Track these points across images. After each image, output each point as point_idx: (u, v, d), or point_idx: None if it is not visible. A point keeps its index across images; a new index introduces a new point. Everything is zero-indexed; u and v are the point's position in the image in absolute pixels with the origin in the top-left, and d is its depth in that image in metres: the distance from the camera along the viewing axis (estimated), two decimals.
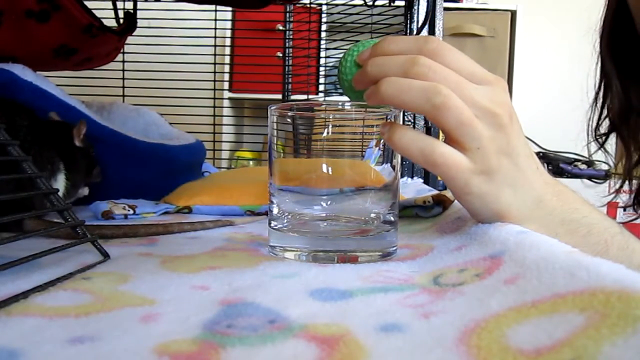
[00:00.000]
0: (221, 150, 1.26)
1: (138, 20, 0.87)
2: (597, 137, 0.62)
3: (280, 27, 1.54)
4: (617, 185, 0.63)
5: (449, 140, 0.32)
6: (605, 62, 0.58)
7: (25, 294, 0.25)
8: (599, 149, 0.63)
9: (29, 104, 0.59)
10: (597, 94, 0.60)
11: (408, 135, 0.31)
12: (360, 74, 0.33)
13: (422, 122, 0.99)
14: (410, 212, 0.52)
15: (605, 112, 0.60)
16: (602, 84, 0.59)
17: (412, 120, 0.99)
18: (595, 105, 0.61)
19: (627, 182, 0.61)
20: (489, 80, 0.32)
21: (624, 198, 0.67)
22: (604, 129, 0.61)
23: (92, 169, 0.60)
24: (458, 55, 0.31)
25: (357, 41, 0.37)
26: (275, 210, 0.37)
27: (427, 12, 0.96)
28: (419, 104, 0.30)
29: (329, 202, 0.37)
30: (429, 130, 0.99)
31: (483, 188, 0.32)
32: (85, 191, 0.60)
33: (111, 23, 0.84)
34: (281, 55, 1.42)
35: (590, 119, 0.62)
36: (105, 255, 0.34)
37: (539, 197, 0.34)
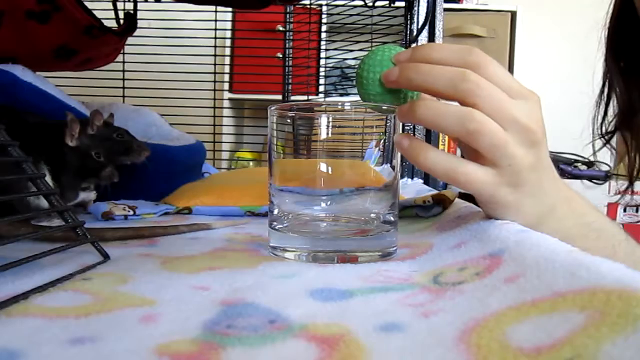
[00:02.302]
0: (221, 150, 1.26)
1: (138, 21, 0.88)
2: (602, 135, 0.62)
3: (281, 28, 1.54)
4: (621, 187, 0.63)
5: (476, 157, 0.33)
6: (609, 60, 0.58)
7: (25, 295, 0.25)
8: (604, 146, 0.63)
9: (29, 105, 0.58)
10: (601, 91, 0.60)
11: (432, 156, 0.32)
12: (399, 75, 0.33)
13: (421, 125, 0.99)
14: (410, 212, 0.52)
15: (610, 109, 0.60)
16: (607, 81, 0.59)
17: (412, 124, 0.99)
18: (600, 102, 0.60)
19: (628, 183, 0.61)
20: (525, 94, 0.33)
21: (623, 199, 0.67)
22: (609, 126, 0.61)
23: (99, 170, 0.58)
24: (498, 69, 0.32)
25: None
26: (275, 211, 0.37)
27: (427, 13, 0.97)
28: (453, 129, 0.31)
29: (329, 203, 0.37)
30: (428, 133, 0.99)
31: (508, 198, 0.33)
32: (91, 195, 0.59)
33: (111, 24, 0.84)
34: (281, 55, 1.42)
35: (595, 117, 0.62)
36: (105, 256, 0.34)
37: (553, 204, 0.35)
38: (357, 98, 0.47)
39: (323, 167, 0.36)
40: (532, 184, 0.33)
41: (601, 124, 0.61)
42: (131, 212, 0.56)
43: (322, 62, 1.63)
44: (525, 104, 0.32)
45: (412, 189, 0.82)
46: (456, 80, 0.31)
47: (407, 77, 0.33)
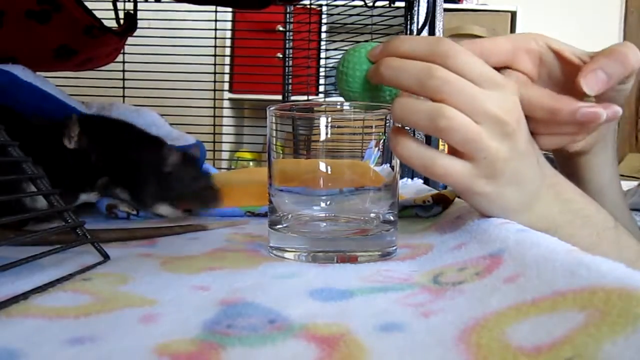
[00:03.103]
0: (221, 151, 1.26)
1: (138, 21, 0.88)
2: None
3: (281, 28, 1.54)
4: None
5: (454, 150, 0.32)
6: None
7: (25, 295, 0.25)
8: None
9: (29, 105, 0.58)
10: None
11: (411, 147, 0.32)
12: (374, 72, 0.34)
13: None
14: (410, 212, 0.52)
15: None
16: None
17: None
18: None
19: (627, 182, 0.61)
20: (499, 83, 0.32)
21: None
22: None
23: (96, 177, 0.54)
24: (469, 58, 0.31)
25: (357, 42, 0.37)
26: (275, 211, 0.37)
27: (427, 13, 0.96)
28: (424, 125, 0.31)
29: (328, 203, 0.37)
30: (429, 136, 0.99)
31: (485, 189, 0.33)
32: (92, 198, 0.56)
33: (111, 23, 0.84)
34: (281, 56, 1.42)
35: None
36: (105, 256, 0.34)
37: (537, 191, 0.35)
38: None
39: (323, 167, 0.36)
40: (510, 173, 0.32)
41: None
42: (135, 212, 0.56)
43: (322, 62, 1.63)
44: (499, 93, 0.31)
45: (412, 189, 0.82)
46: (422, 77, 0.31)
47: (379, 73, 0.33)
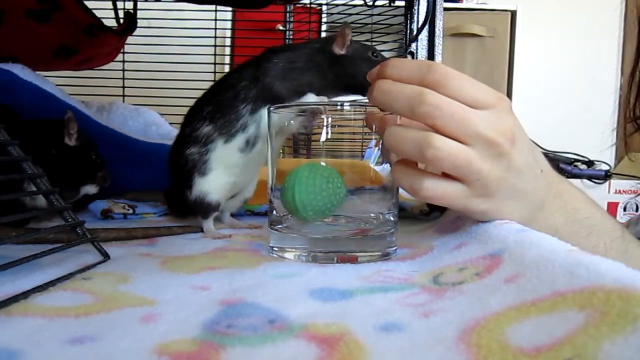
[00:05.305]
0: None
1: (138, 20, 0.88)
2: (634, 118, 0.59)
3: (281, 27, 1.54)
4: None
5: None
6: None
7: (25, 294, 0.25)
8: (637, 130, 0.59)
9: (29, 104, 0.58)
10: (632, 72, 0.56)
11: (398, 169, 0.33)
12: (369, 95, 0.34)
13: None
14: (410, 213, 0.52)
15: None
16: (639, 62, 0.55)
17: None
18: (632, 84, 0.56)
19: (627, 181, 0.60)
20: (492, 102, 0.31)
21: (623, 198, 0.66)
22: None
23: (95, 171, 0.56)
24: (461, 82, 0.31)
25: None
26: (275, 211, 0.37)
27: (427, 13, 0.96)
28: (413, 155, 0.31)
29: None
30: None
31: (481, 207, 0.33)
32: (92, 189, 0.56)
33: (111, 23, 0.84)
34: None
35: (626, 100, 0.58)
36: (106, 256, 0.34)
37: (542, 201, 0.35)
38: (357, 98, 0.47)
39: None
40: (506, 190, 0.32)
41: (634, 106, 0.56)
42: (130, 211, 0.56)
43: None
44: (492, 113, 0.31)
45: None
46: (413, 103, 0.31)
47: (372, 97, 0.33)
